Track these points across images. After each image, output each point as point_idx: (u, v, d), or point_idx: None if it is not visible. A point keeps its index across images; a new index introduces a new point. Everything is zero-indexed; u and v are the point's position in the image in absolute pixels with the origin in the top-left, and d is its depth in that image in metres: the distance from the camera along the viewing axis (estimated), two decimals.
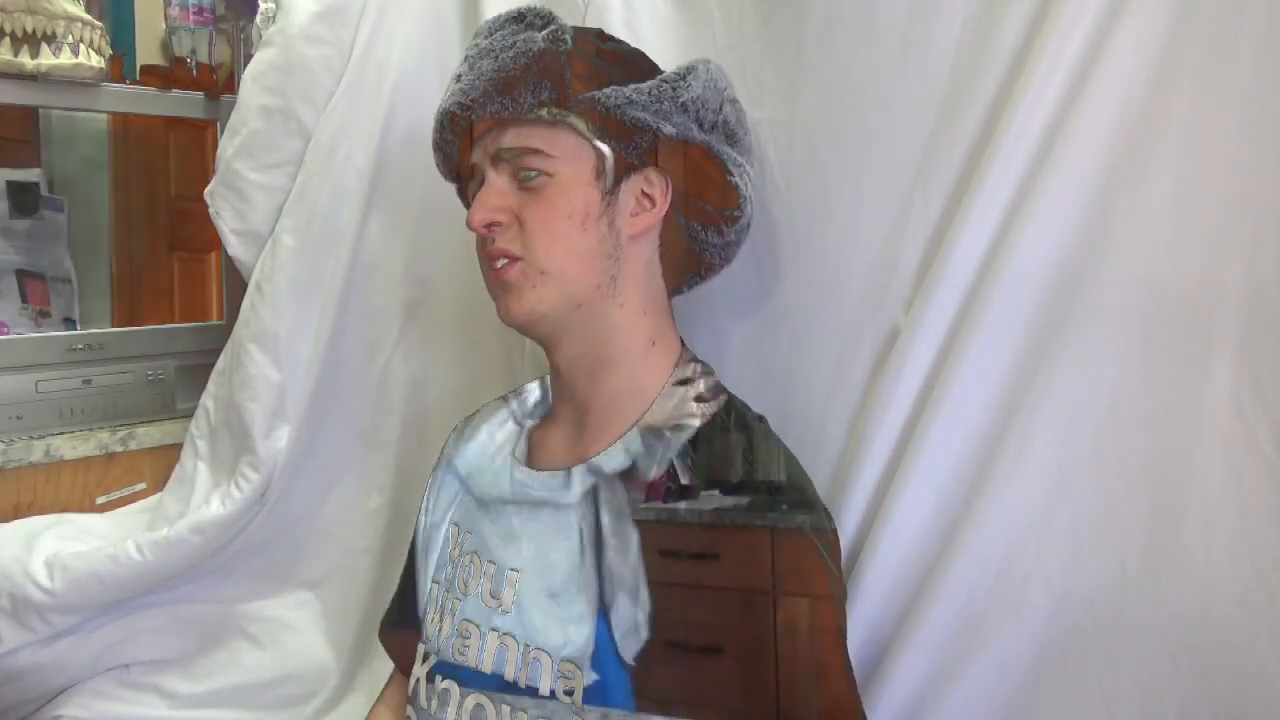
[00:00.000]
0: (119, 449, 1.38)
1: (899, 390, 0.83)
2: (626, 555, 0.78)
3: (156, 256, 1.73)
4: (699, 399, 0.83)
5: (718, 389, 0.85)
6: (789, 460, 0.79)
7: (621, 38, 0.88)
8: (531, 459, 0.89)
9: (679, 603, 0.76)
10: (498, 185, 0.82)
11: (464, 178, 0.90)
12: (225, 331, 1.29)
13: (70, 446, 1.34)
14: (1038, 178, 0.77)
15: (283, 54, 1.18)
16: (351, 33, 1.19)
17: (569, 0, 1.07)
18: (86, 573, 1.12)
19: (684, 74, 0.83)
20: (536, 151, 0.80)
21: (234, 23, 1.61)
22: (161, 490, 1.30)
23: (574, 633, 0.78)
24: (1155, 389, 0.74)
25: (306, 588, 1.28)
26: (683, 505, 0.78)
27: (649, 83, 0.82)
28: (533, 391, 0.97)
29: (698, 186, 0.85)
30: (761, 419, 0.82)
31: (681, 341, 0.88)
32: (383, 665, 1.05)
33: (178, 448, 1.30)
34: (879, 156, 0.88)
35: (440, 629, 0.87)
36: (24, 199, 1.55)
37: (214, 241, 1.34)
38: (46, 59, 1.32)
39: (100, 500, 1.37)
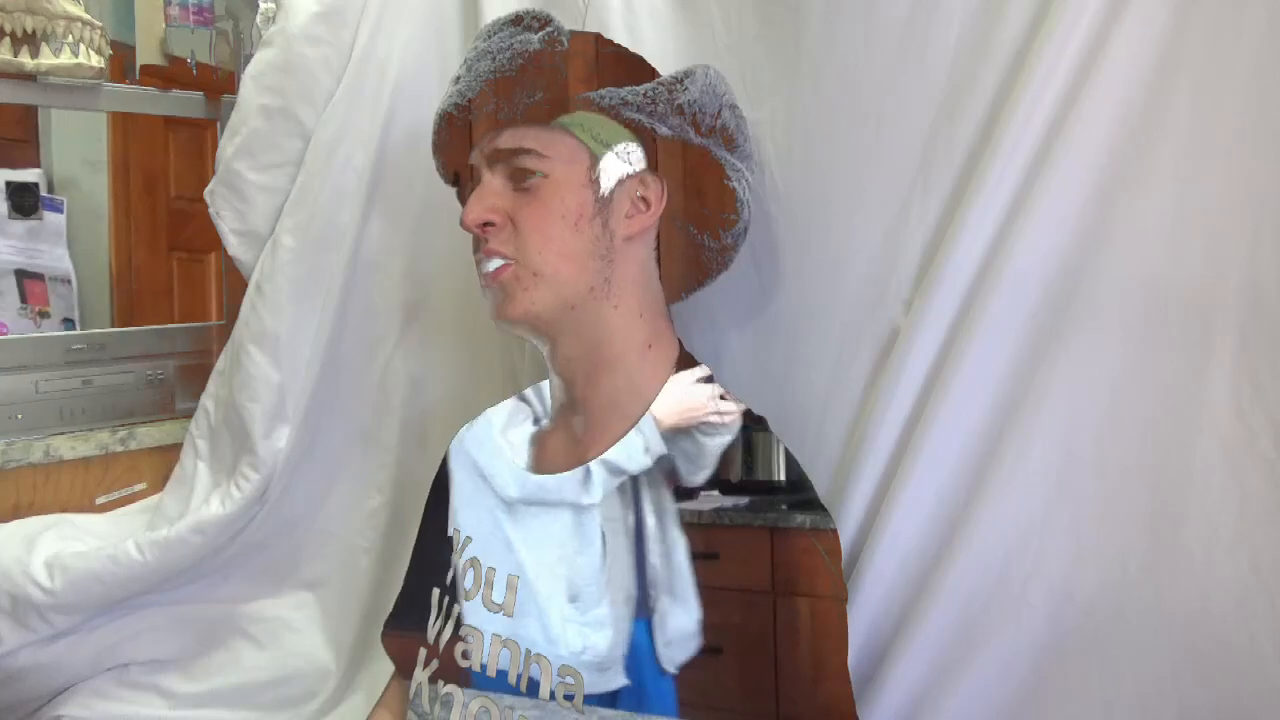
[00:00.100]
0: (119, 449, 1.38)
1: (899, 390, 0.83)
2: (671, 559, 0.77)
3: (156, 256, 1.73)
4: (724, 398, 0.83)
5: None
6: (789, 460, 0.79)
7: (621, 39, 0.88)
8: (533, 460, 0.89)
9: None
10: (493, 186, 0.82)
11: (463, 181, 0.90)
12: (225, 331, 1.29)
13: (70, 446, 1.34)
14: (1038, 178, 0.77)
15: (283, 54, 1.18)
16: (351, 33, 1.19)
17: (569, 2, 1.07)
18: (86, 573, 1.12)
19: (681, 77, 0.83)
20: (531, 152, 0.80)
21: (233, 23, 1.61)
22: (161, 490, 1.30)
23: (594, 637, 0.77)
24: (1155, 389, 0.74)
25: (306, 588, 1.28)
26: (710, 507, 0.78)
27: (645, 85, 0.82)
28: (551, 391, 0.96)
29: (695, 190, 0.84)
30: (760, 420, 0.82)
31: (680, 344, 0.88)
32: (383, 666, 1.05)
33: (178, 448, 1.30)
34: (878, 157, 0.87)
35: (443, 633, 0.87)
36: (24, 199, 1.56)
37: (213, 242, 1.34)
38: (46, 59, 1.32)
39: (100, 500, 1.37)
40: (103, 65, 1.38)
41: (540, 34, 0.82)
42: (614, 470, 0.82)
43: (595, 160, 0.81)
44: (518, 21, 0.84)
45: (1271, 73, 0.70)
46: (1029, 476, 0.78)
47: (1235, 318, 0.72)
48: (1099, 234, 0.76)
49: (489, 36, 0.84)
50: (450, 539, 0.92)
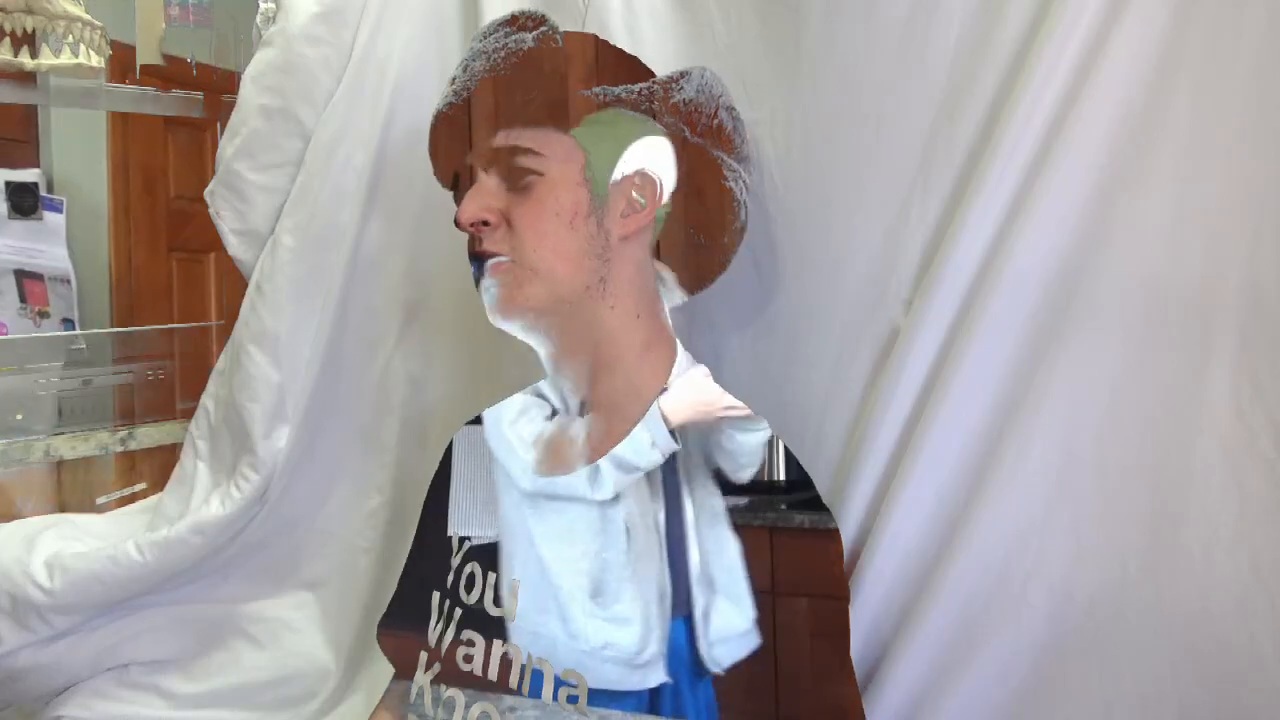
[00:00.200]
0: (119, 449, 1.38)
1: (899, 390, 0.83)
2: (721, 558, 0.77)
3: (156, 256, 1.73)
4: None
5: None
6: (789, 460, 0.79)
7: (621, 39, 0.88)
8: (537, 464, 0.89)
9: None
10: (488, 185, 0.82)
11: (460, 183, 0.90)
12: (225, 331, 1.29)
13: (70, 446, 1.34)
14: (1038, 178, 0.77)
15: (283, 54, 1.18)
16: (351, 33, 1.19)
17: (569, 2, 1.07)
18: (86, 573, 1.12)
19: (677, 77, 0.83)
20: (526, 151, 0.81)
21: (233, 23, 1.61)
22: (161, 490, 1.30)
23: (617, 634, 0.77)
24: (1155, 389, 0.74)
25: (306, 588, 1.28)
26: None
27: (640, 84, 0.82)
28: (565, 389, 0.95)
29: (693, 191, 0.84)
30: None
31: (679, 345, 0.88)
32: (383, 666, 1.05)
33: (178, 448, 1.30)
34: (878, 156, 0.87)
35: (444, 637, 0.87)
36: (24, 199, 1.55)
37: (213, 242, 1.34)
38: (46, 59, 1.32)
39: (100, 500, 1.37)
40: (103, 65, 1.38)
41: (534, 33, 0.82)
42: (621, 465, 0.81)
43: (589, 158, 0.81)
44: (513, 22, 0.84)
45: (1271, 73, 0.70)
46: (1029, 476, 0.78)
47: (1235, 318, 0.72)
48: (1099, 234, 0.76)
49: (484, 37, 0.85)
50: (449, 541, 0.92)
